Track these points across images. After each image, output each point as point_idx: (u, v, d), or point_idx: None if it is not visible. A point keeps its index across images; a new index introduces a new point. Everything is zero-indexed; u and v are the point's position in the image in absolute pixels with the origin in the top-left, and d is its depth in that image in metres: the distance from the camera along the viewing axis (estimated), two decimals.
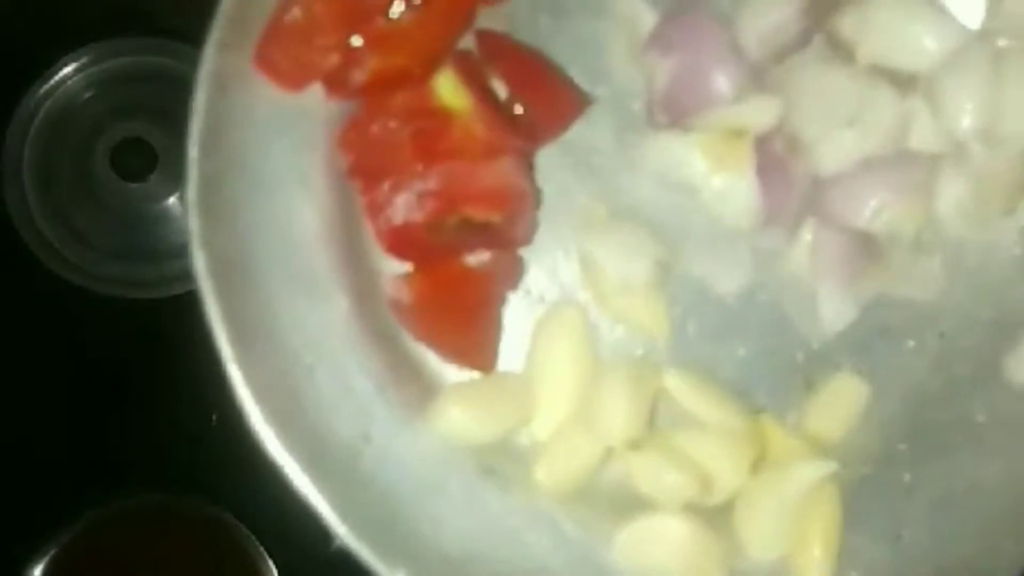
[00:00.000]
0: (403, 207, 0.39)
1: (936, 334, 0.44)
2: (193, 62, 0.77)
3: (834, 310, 0.43)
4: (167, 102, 0.71)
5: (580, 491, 0.41)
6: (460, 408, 0.40)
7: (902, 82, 0.42)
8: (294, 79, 0.39)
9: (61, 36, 0.73)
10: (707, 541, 0.39)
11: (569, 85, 0.43)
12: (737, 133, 0.41)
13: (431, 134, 0.39)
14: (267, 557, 0.66)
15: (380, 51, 0.38)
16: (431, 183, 0.39)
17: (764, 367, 0.44)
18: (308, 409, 0.39)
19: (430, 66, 0.39)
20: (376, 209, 0.39)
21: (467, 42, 0.43)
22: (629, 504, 0.41)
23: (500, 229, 0.40)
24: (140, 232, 0.72)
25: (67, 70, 0.73)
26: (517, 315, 0.43)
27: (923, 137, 0.42)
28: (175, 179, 0.69)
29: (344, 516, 0.38)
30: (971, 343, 0.44)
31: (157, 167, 0.70)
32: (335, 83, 0.39)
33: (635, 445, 0.39)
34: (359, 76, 0.39)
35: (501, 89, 0.42)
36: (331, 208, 0.41)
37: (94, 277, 0.71)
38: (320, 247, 0.41)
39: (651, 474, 0.40)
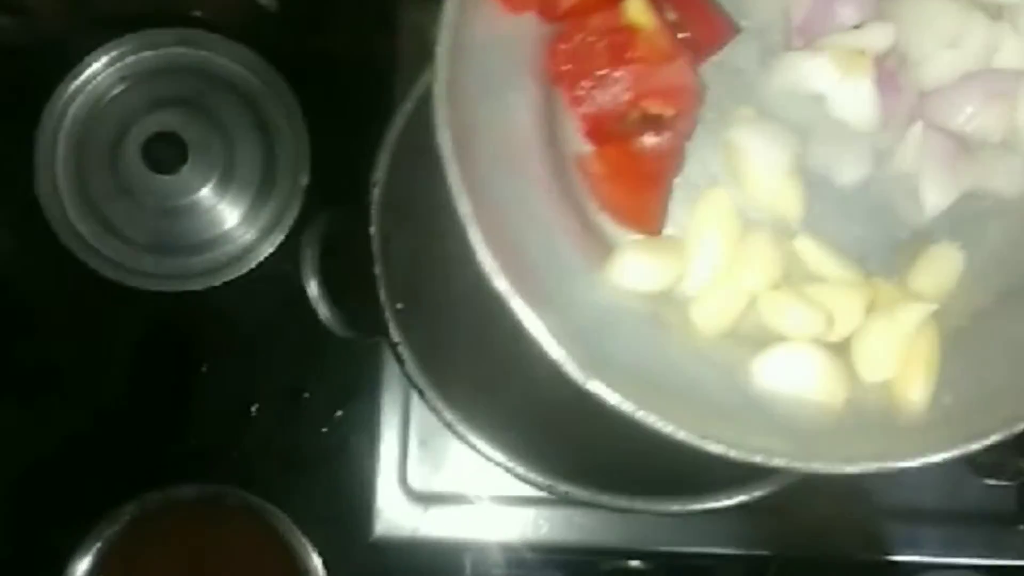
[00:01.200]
0: (598, 101, 0.51)
1: (1019, 217, 0.54)
2: (224, 53, 0.73)
3: (934, 197, 0.53)
4: (198, 94, 0.73)
5: (727, 330, 0.52)
6: (634, 259, 0.51)
7: (992, 12, 0.52)
8: (517, 4, 0.51)
9: (92, 29, 0.73)
10: (830, 366, 0.50)
11: (722, 15, 0.54)
12: (859, 53, 0.52)
13: (621, 45, 0.50)
14: (309, 546, 0.67)
15: None
16: (621, 82, 0.50)
17: (875, 242, 0.54)
18: (522, 257, 0.51)
19: None
20: (577, 103, 0.51)
21: None
22: (767, 340, 0.51)
23: (671, 120, 0.51)
24: (172, 225, 0.72)
25: (98, 64, 0.72)
26: (677, 196, 0.54)
27: (1008, 57, 0.52)
28: (206, 171, 0.72)
29: (547, 332, 0.49)
30: None
31: (188, 159, 0.70)
32: (548, 8, 0.51)
33: (773, 286, 0.50)
34: (567, 2, 0.51)
35: (671, 17, 0.54)
36: (538, 105, 0.53)
37: (127, 270, 0.71)
38: (532, 135, 0.52)
39: (785, 312, 0.50)
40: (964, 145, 0.53)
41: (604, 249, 0.53)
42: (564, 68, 0.51)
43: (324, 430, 0.74)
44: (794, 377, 0.50)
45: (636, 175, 0.51)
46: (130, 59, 0.72)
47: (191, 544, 0.68)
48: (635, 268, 0.52)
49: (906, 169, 0.53)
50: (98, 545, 0.67)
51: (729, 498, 0.65)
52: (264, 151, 0.74)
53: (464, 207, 0.50)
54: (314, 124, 0.74)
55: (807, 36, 0.53)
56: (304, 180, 0.74)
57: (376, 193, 0.66)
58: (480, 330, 0.67)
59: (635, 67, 0.49)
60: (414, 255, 0.67)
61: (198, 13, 0.74)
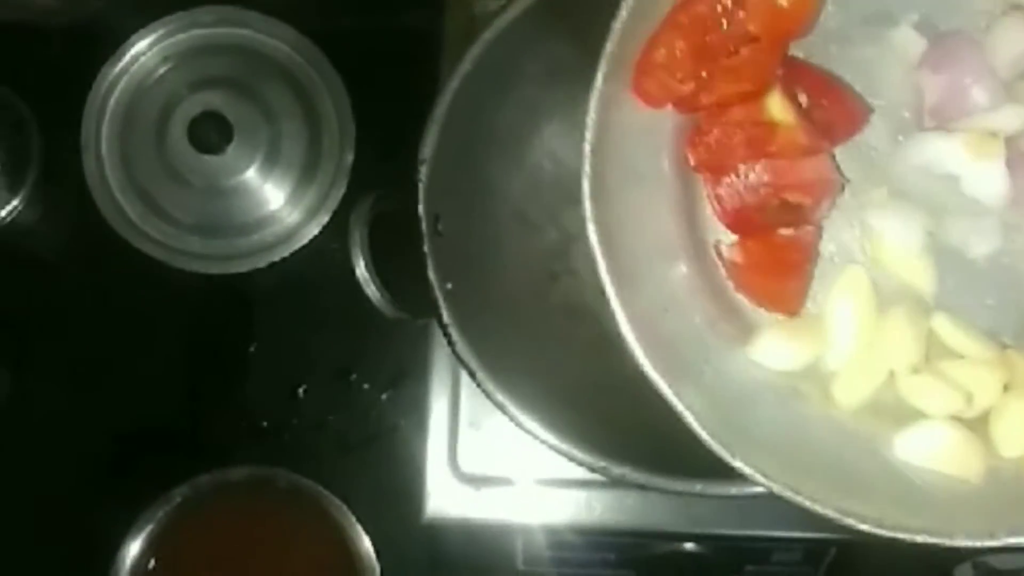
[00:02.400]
0: (740, 194, 0.53)
1: None
2: (267, 32, 0.70)
3: None
4: (242, 74, 0.71)
5: (866, 403, 0.54)
6: (775, 340, 0.54)
7: None
8: (658, 100, 0.53)
9: (135, 10, 0.72)
10: (969, 442, 0.52)
11: (856, 98, 0.56)
12: (991, 135, 0.53)
13: (761, 139, 0.52)
14: (360, 528, 0.66)
15: (725, 80, 0.52)
16: (763, 176, 0.52)
17: (1008, 314, 0.56)
18: (665, 340, 0.54)
19: (761, 89, 0.52)
20: (719, 196, 0.53)
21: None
22: (905, 415, 0.54)
23: (809, 209, 0.53)
24: (218, 205, 0.71)
25: (142, 44, 0.71)
26: (815, 273, 0.56)
27: None
28: (251, 151, 0.70)
29: (691, 414, 0.52)
30: None
31: (233, 139, 0.69)
32: (686, 103, 0.53)
33: (914, 369, 0.53)
34: (707, 98, 0.53)
35: (803, 101, 0.56)
36: (676, 192, 0.55)
37: (173, 251, 0.71)
38: (670, 222, 0.55)
39: (925, 391, 0.53)
40: None
41: (742, 327, 0.56)
42: (703, 159, 0.53)
43: (373, 412, 0.73)
44: (933, 453, 0.52)
45: (777, 265, 0.53)
46: (174, 39, 0.71)
47: (242, 526, 0.68)
48: (776, 348, 0.54)
49: None
50: (150, 527, 0.67)
51: None
52: (309, 130, 0.72)
53: (612, 297, 0.53)
54: (359, 102, 0.73)
55: (940, 118, 0.54)
56: (349, 159, 0.72)
57: (424, 171, 0.63)
58: (532, 309, 0.67)
59: (775, 162, 0.51)
60: (463, 234, 0.66)
61: None
